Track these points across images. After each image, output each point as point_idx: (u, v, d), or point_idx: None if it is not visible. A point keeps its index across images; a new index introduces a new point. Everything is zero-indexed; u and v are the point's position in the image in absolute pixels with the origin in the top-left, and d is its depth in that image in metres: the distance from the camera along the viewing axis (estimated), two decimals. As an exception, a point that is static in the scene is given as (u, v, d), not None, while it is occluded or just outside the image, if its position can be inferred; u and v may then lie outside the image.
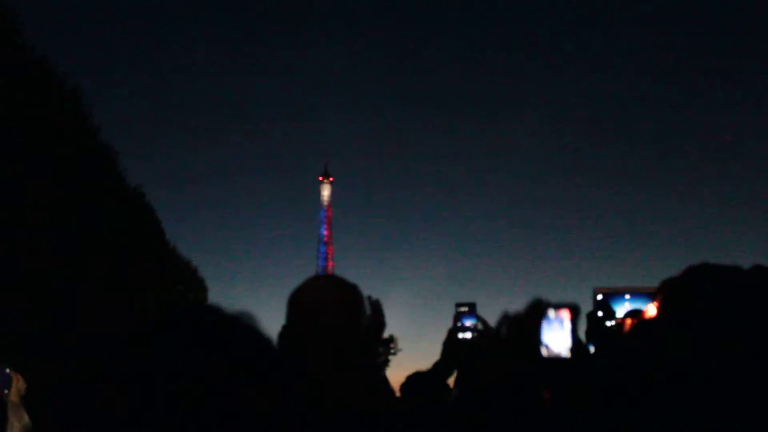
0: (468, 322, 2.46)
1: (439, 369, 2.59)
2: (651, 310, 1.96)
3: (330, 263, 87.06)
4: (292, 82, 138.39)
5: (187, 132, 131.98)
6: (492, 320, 2.59)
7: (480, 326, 2.46)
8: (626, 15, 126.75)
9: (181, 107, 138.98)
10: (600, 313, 2.31)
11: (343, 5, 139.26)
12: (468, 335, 2.45)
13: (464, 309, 2.49)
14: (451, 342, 2.54)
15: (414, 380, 3.43)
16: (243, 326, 0.62)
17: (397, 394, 3.90)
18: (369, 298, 1.75)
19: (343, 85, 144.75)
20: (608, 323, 2.31)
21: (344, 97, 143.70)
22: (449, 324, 2.74)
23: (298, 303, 1.57)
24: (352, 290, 1.63)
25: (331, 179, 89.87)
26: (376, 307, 1.75)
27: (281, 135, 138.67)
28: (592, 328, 2.38)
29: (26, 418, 4.49)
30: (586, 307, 2.38)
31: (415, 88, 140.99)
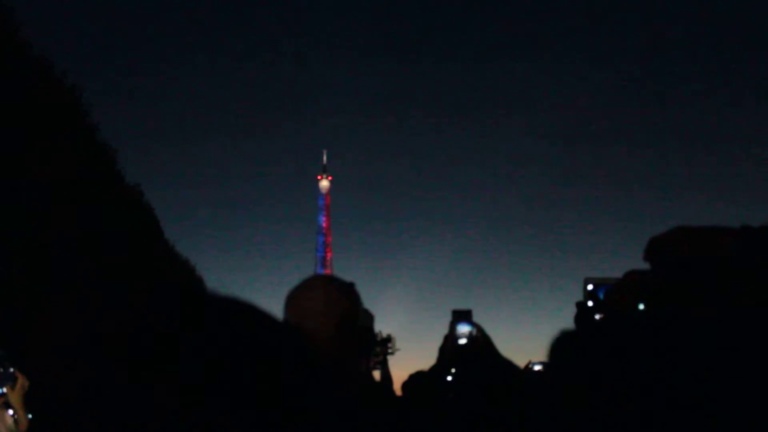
0: (464, 329, 2.48)
1: (437, 375, 2.61)
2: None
3: (329, 254, 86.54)
4: (291, 81, 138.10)
5: (186, 131, 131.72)
6: (487, 323, 2.62)
7: (475, 332, 2.49)
8: (624, 15, 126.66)
9: (179, 105, 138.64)
10: (590, 303, 2.33)
11: (342, 5, 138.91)
12: (464, 341, 2.47)
13: (460, 316, 2.52)
14: (447, 348, 2.56)
15: (416, 380, 3.46)
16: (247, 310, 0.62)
17: (398, 393, 3.91)
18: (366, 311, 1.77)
19: (343, 85, 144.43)
20: (597, 316, 2.32)
21: (344, 97, 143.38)
22: (447, 324, 2.76)
23: (290, 307, 1.58)
24: (347, 293, 1.63)
25: (330, 178, 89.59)
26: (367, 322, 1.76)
27: (280, 134, 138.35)
28: (581, 317, 2.42)
29: (9, 420, 4.49)
30: (576, 297, 2.39)
31: (414, 89, 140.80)
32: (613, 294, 2.12)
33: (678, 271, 1.31)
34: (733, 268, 1.25)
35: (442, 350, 2.59)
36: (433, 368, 2.64)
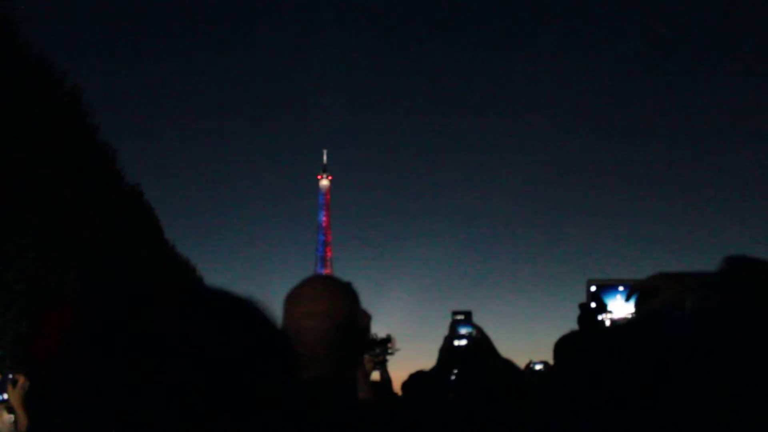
0: (464, 330, 2.49)
1: (438, 376, 2.62)
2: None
3: (329, 253, 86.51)
4: (291, 81, 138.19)
5: (185, 131, 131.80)
6: (488, 324, 2.64)
7: (475, 333, 2.49)
8: (624, 16, 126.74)
9: (179, 105, 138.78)
10: (593, 305, 2.34)
11: (343, 6, 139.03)
12: (464, 342, 2.48)
13: (460, 317, 2.52)
14: (447, 349, 2.56)
15: (416, 379, 3.46)
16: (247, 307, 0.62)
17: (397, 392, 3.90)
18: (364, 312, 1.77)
19: (343, 85, 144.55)
20: (600, 317, 2.34)
21: (344, 97, 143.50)
22: (447, 324, 2.77)
23: (288, 307, 1.59)
24: (344, 293, 1.63)
25: (330, 178, 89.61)
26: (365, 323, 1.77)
27: (279, 134, 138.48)
28: (584, 319, 2.44)
29: (6, 421, 4.50)
30: (579, 298, 2.40)
31: (415, 89, 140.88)
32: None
33: (661, 316, 1.36)
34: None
35: (443, 351, 2.60)
36: (433, 369, 2.65)
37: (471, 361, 2.49)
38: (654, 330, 1.29)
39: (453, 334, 2.55)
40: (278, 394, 0.56)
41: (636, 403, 1.25)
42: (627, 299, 1.48)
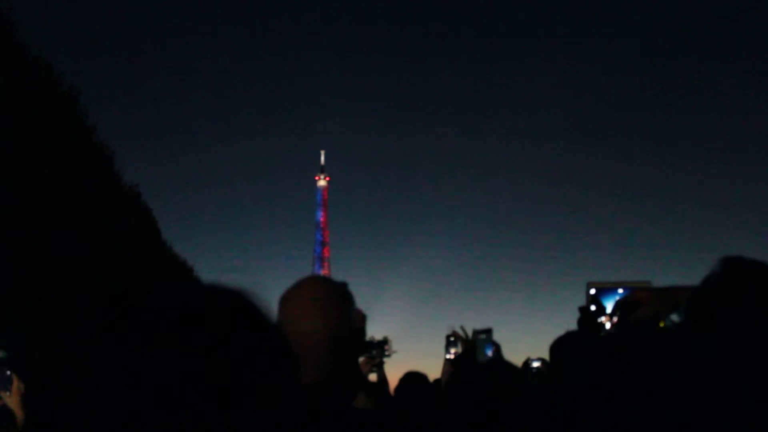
0: (489, 352, 2.54)
1: (453, 389, 2.64)
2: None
3: (326, 253, 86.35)
4: (289, 81, 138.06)
5: (183, 131, 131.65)
6: (485, 323, 2.67)
7: (495, 352, 2.53)
8: (624, 16, 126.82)
9: (176, 106, 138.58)
10: (593, 307, 2.36)
11: (342, 6, 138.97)
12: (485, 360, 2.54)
13: (483, 336, 2.57)
14: (467, 366, 2.60)
15: (408, 381, 3.47)
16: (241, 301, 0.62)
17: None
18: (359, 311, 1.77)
19: (342, 86, 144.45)
20: (600, 319, 2.36)
21: (342, 98, 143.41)
22: (445, 325, 2.81)
23: (284, 308, 1.59)
24: (339, 294, 1.64)
25: (327, 179, 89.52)
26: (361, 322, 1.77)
27: (277, 135, 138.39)
28: (584, 322, 2.46)
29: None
30: (579, 301, 2.42)
31: (414, 90, 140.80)
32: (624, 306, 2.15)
33: (644, 331, 1.38)
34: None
35: (462, 367, 2.63)
36: (450, 385, 2.67)
37: (489, 376, 2.52)
38: (632, 341, 1.31)
39: (476, 353, 2.61)
40: (277, 392, 0.56)
41: (626, 406, 1.26)
42: (611, 314, 1.51)
